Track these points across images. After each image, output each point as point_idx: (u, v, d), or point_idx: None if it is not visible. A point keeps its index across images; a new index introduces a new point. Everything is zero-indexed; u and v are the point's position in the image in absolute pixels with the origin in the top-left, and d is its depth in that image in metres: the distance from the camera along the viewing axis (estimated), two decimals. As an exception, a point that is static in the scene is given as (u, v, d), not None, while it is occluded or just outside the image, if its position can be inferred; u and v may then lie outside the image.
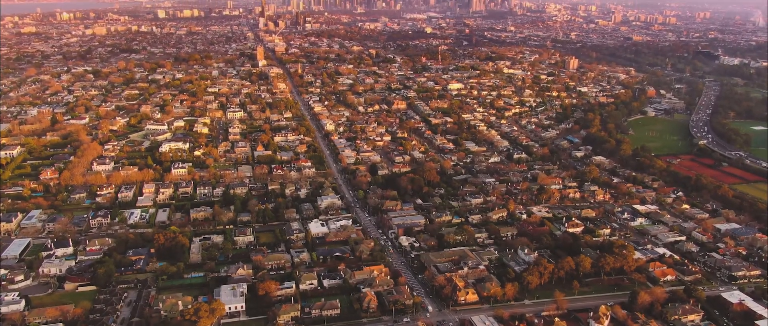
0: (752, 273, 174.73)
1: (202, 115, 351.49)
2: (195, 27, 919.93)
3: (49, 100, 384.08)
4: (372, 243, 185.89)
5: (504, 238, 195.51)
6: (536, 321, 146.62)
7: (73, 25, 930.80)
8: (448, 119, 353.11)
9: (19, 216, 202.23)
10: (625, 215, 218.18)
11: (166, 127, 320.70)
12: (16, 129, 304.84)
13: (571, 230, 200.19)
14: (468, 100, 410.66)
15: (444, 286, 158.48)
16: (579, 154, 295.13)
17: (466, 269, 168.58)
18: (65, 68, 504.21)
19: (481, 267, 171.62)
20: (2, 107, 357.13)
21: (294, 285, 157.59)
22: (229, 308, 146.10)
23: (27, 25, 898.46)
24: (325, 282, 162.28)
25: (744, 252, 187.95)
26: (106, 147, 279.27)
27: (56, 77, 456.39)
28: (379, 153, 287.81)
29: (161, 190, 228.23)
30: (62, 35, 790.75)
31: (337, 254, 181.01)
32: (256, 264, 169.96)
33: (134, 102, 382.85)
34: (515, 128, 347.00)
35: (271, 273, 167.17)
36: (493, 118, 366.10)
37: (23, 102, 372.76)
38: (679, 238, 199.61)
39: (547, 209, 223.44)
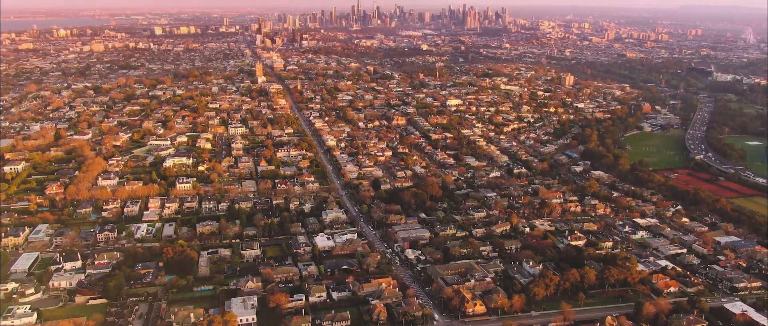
0: (753, 284, 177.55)
1: (204, 130, 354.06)
2: (192, 44, 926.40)
3: (51, 115, 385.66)
4: (378, 257, 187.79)
5: (508, 251, 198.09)
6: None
7: (70, 42, 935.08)
8: (448, 134, 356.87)
9: (27, 230, 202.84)
10: (626, 228, 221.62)
11: (169, 142, 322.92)
12: (20, 144, 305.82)
13: (574, 243, 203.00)
14: (467, 115, 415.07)
15: (452, 298, 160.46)
16: (578, 169, 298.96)
17: (473, 281, 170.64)
18: (65, 84, 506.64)
19: (488, 279, 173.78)
20: (4, 123, 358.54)
21: (304, 298, 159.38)
22: (241, 320, 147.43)
23: (24, 42, 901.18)
24: (334, 295, 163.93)
25: (744, 264, 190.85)
26: (110, 162, 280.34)
27: (57, 93, 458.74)
28: (380, 168, 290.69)
29: (167, 205, 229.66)
30: (60, 52, 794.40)
31: (345, 267, 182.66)
32: (264, 277, 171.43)
33: (136, 118, 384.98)
34: (514, 143, 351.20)
35: (280, 286, 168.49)
36: (492, 134, 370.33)
37: (25, 117, 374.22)
38: (680, 251, 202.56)
39: (549, 222, 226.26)
